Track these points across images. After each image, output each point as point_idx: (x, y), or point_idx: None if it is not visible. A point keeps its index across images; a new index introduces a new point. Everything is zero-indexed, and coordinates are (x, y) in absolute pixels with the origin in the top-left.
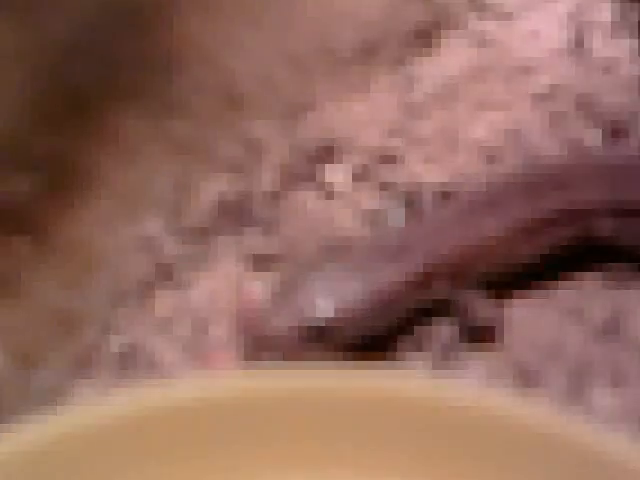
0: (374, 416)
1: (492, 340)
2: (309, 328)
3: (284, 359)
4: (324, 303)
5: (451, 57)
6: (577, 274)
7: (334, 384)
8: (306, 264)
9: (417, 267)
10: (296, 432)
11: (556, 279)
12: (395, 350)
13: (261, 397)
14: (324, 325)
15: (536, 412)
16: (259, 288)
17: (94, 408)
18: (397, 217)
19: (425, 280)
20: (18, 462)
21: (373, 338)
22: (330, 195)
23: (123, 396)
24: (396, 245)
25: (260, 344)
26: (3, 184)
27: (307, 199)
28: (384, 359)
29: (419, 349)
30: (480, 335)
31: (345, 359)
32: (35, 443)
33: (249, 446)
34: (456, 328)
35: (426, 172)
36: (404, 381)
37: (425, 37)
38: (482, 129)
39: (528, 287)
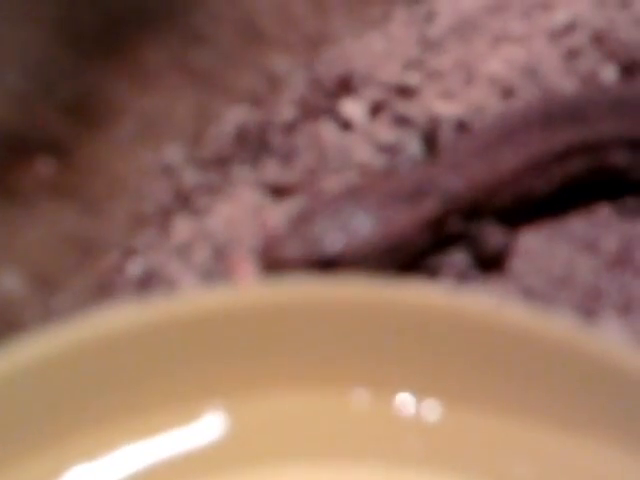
0: (392, 325)
1: (504, 269)
2: (320, 260)
3: None
4: (335, 238)
5: None
6: (589, 205)
7: (360, 292)
8: (322, 198)
9: (432, 208)
10: (307, 343)
11: (568, 210)
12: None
13: (282, 306)
14: (334, 259)
15: (553, 323)
16: (276, 217)
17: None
18: (413, 150)
19: (440, 219)
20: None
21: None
22: (347, 128)
23: (143, 306)
24: (411, 186)
25: (275, 269)
26: (28, 108)
27: (324, 131)
28: None
29: (432, 277)
30: (492, 264)
31: None
32: (53, 350)
33: (269, 356)
34: (469, 257)
35: (443, 106)
36: (423, 291)
37: None
38: (499, 63)
39: (541, 218)
